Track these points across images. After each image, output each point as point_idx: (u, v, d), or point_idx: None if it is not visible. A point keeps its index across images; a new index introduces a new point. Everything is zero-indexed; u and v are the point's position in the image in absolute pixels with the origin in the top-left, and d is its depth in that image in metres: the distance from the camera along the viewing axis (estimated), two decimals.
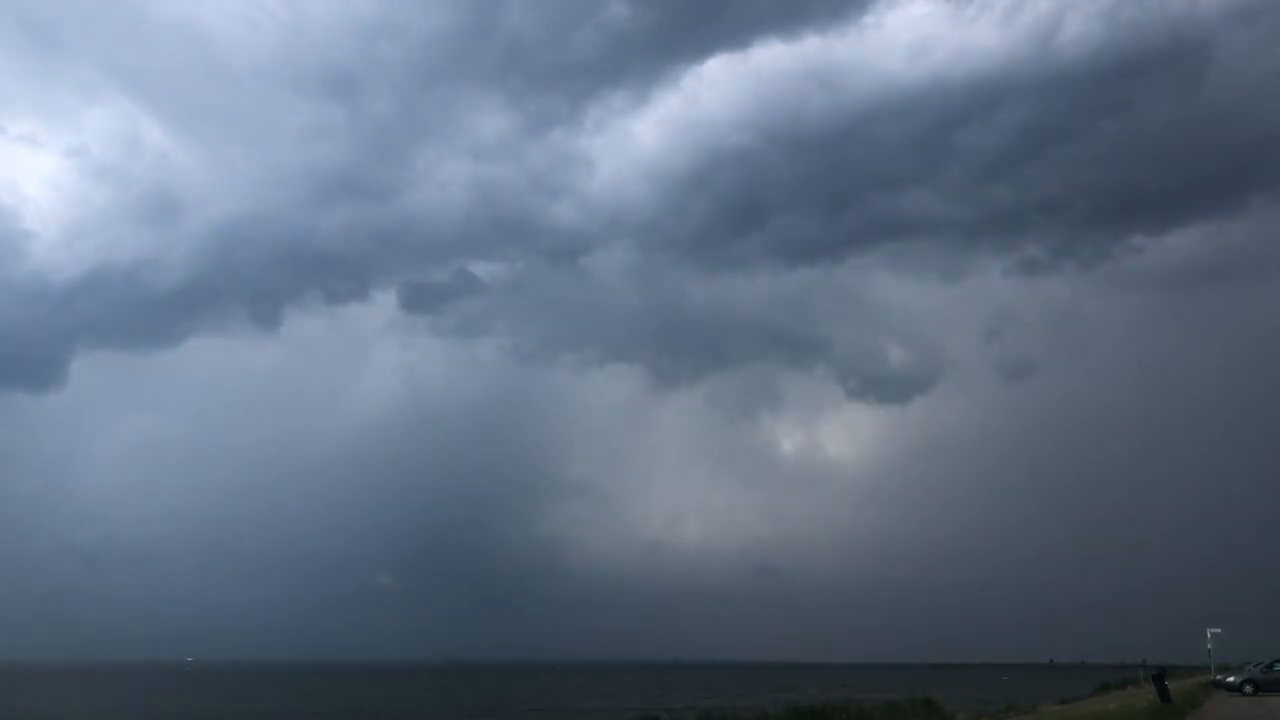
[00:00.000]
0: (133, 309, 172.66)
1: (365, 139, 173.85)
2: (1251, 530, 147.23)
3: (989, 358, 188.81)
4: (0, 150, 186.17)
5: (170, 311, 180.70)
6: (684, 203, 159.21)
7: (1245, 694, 36.36)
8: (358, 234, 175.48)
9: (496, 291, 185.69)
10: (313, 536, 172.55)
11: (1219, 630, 47.20)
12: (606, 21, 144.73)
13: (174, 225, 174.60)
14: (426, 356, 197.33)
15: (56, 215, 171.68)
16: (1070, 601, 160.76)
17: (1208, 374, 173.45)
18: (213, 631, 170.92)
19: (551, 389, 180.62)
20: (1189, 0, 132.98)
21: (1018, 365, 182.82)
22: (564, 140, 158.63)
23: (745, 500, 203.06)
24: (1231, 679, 39.72)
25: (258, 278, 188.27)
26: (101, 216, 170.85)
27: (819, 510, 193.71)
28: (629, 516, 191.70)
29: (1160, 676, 31.08)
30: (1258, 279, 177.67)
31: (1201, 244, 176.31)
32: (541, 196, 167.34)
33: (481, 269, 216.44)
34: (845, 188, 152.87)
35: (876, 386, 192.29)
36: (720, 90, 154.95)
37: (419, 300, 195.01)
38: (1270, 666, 38.18)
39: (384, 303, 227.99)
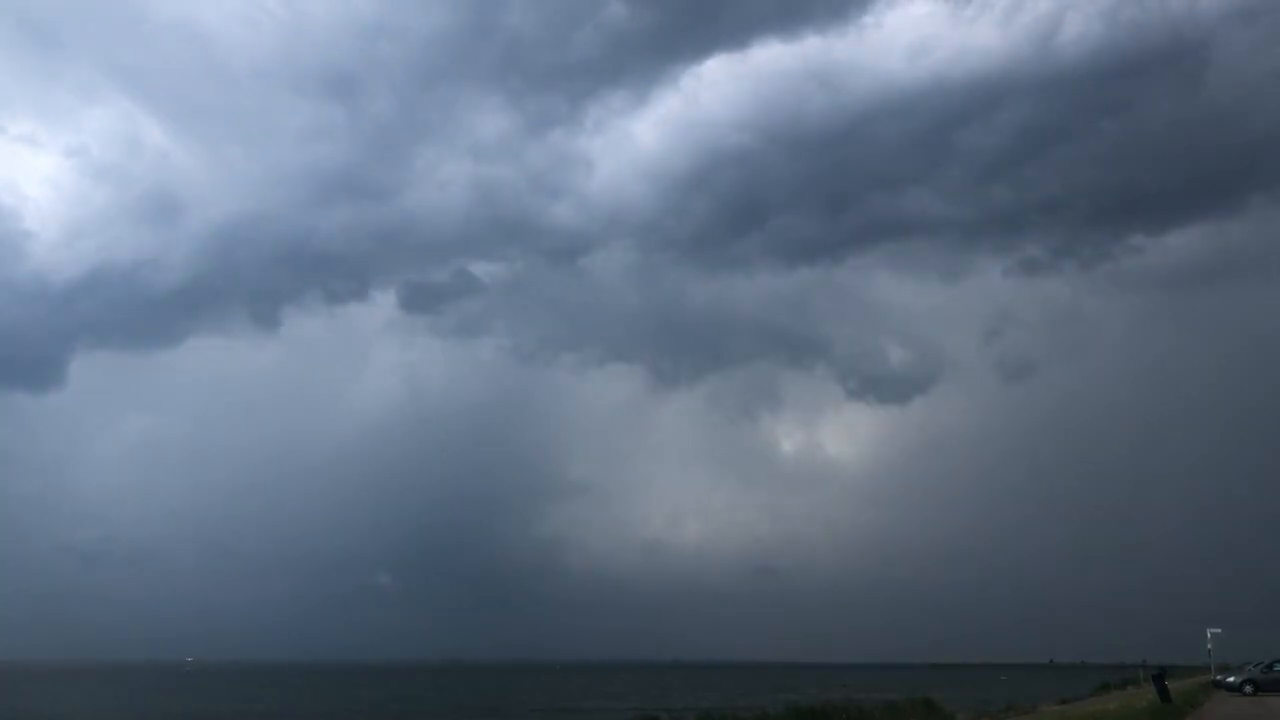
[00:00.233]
0: (132, 309, 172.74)
1: (365, 139, 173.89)
2: (1251, 530, 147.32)
3: (989, 358, 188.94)
4: (0, 150, 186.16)
5: (170, 311, 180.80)
6: (684, 203, 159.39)
7: (1245, 694, 36.36)
8: (357, 234, 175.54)
9: (496, 292, 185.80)
10: (313, 536, 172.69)
11: (1219, 630, 47.19)
12: (606, 21, 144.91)
13: (174, 225, 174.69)
14: (426, 356, 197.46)
15: (56, 215, 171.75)
16: (1070, 601, 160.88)
17: (1208, 374, 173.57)
18: (213, 631, 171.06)
19: (551, 389, 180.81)
20: (1189, 0, 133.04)
21: (1018, 365, 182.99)
22: (564, 140, 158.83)
23: (745, 500, 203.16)
24: (1231, 679, 39.72)
25: (257, 278, 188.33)
26: (101, 216, 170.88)
27: (819, 510, 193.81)
28: (629, 516, 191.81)
29: (1160, 676, 31.08)
30: (1257, 279, 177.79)
31: (1201, 244, 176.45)
32: (541, 196, 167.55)
33: (481, 269, 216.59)
34: (845, 188, 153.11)
35: (876, 386, 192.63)
36: (720, 90, 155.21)
37: (419, 300, 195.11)
38: (1270, 666, 38.18)
39: (384, 303, 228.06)
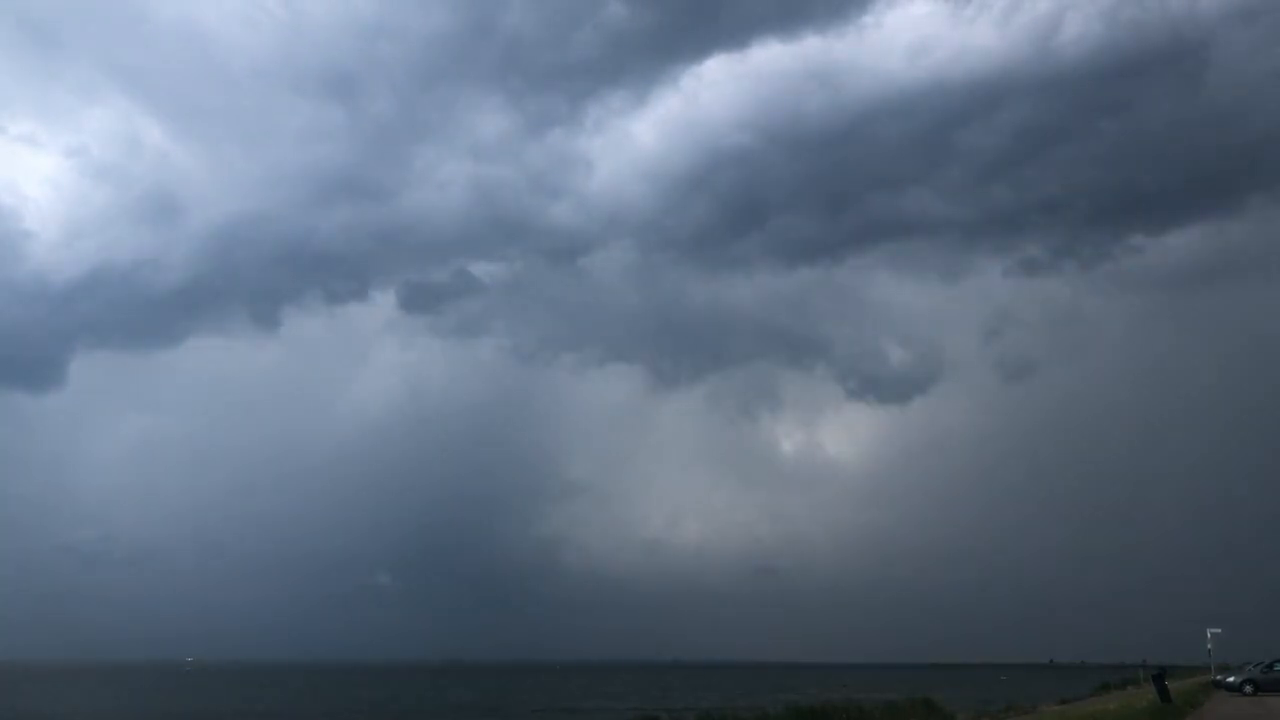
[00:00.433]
0: (132, 309, 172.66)
1: (365, 139, 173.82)
2: (1251, 530, 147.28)
3: (989, 358, 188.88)
4: (0, 150, 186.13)
5: (170, 311, 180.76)
6: (683, 203, 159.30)
7: (1245, 694, 36.37)
8: (357, 234, 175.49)
9: (496, 292, 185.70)
10: (313, 536, 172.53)
11: (1219, 630, 47.17)
12: (605, 22, 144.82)
13: (174, 225, 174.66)
14: (426, 356, 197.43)
15: (56, 215, 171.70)
16: (1070, 601, 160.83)
17: (1207, 374, 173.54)
18: (213, 631, 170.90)
19: (551, 389, 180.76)
20: (1189, 0, 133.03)
21: (1017, 365, 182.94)
22: (563, 140, 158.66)
23: (745, 500, 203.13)
24: (1231, 679, 39.73)
25: (257, 278, 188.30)
26: (101, 216, 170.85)
27: (819, 510, 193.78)
28: (628, 516, 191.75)
29: (1160, 676, 31.08)
30: (1257, 279, 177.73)
31: (1201, 244, 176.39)
32: (541, 196, 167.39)
33: (481, 269, 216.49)
34: (845, 188, 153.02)
35: (876, 386, 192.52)
36: (719, 90, 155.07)
37: (418, 300, 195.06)
38: (1270, 666, 38.19)
39: (383, 303, 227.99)
